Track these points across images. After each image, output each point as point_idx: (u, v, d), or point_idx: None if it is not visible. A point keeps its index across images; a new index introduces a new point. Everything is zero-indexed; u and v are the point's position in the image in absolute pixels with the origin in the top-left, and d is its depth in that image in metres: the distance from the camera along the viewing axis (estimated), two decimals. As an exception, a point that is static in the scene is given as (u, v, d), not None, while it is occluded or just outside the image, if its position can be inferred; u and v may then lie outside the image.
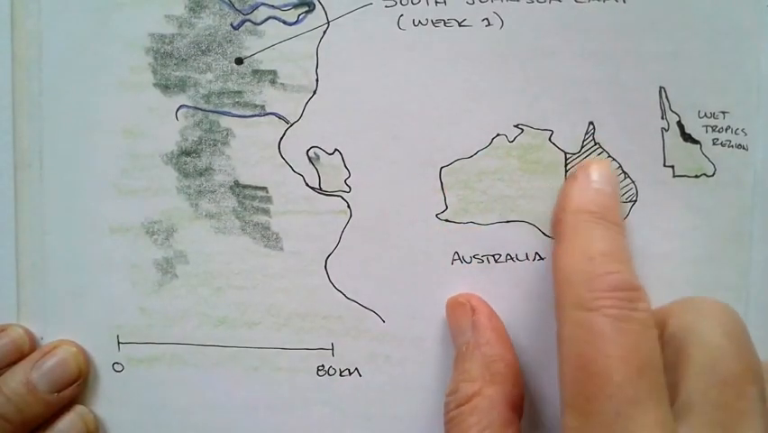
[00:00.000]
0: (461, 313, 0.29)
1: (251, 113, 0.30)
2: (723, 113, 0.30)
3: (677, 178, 0.30)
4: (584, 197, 0.28)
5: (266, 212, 0.30)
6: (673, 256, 0.30)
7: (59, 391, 0.30)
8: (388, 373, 0.30)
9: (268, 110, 0.30)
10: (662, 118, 0.30)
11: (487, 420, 0.26)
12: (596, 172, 0.28)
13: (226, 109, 0.30)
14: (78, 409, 0.30)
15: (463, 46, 0.30)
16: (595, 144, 0.30)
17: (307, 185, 0.30)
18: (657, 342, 0.25)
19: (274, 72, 0.30)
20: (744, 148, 0.30)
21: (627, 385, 0.23)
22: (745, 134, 0.30)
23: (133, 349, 0.31)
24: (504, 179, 0.30)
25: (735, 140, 0.30)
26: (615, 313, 0.24)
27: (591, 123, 0.30)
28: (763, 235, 0.30)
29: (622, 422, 0.23)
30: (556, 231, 0.28)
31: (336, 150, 0.30)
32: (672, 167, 0.30)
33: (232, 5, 0.30)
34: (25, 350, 0.30)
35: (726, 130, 0.30)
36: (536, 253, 0.30)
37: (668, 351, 0.25)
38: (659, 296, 0.30)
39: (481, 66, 0.30)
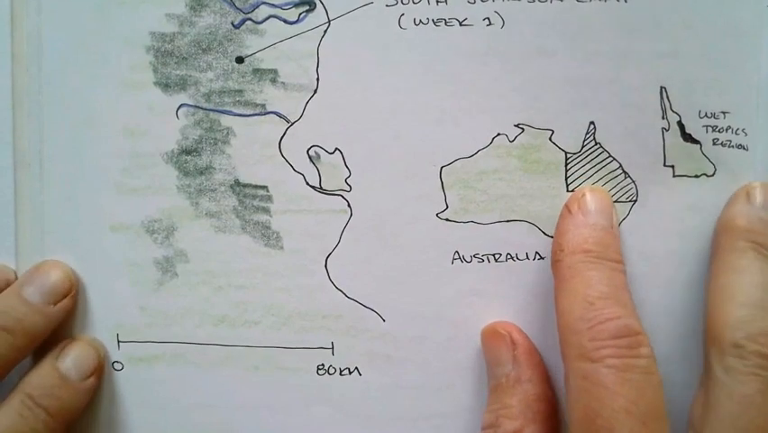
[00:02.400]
0: (501, 344, 0.29)
1: (251, 112, 0.30)
2: (723, 113, 0.30)
3: (677, 177, 0.30)
4: (580, 235, 0.28)
5: (266, 211, 0.30)
6: (673, 256, 0.30)
7: (54, 304, 0.29)
8: (388, 373, 0.30)
9: (268, 109, 0.30)
10: (663, 118, 0.30)
11: None
12: (591, 204, 0.29)
13: (227, 108, 0.30)
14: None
15: (464, 45, 0.30)
16: (595, 144, 0.30)
17: (308, 184, 0.30)
18: (660, 387, 0.25)
19: (275, 71, 0.30)
20: (744, 148, 0.30)
21: None
22: (746, 134, 0.30)
23: (133, 348, 0.31)
24: (504, 178, 0.30)
25: (735, 140, 0.30)
26: (617, 363, 0.25)
27: (592, 122, 0.30)
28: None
29: None
30: (555, 271, 0.28)
31: (337, 149, 0.30)
32: (673, 167, 0.30)
33: (232, 4, 0.30)
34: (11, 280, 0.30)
35: (727, 130, 0.30)
36: (537, 252, 0.30)
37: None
38: (658, 296, 0.30)
39: (482, 65, 0.30)
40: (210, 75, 0.30)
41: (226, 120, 0.30)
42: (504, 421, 0.28)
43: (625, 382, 0.25)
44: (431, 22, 0.30)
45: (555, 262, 0.28)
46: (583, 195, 0.29)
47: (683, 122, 0.30)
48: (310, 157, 0.30)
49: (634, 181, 0.30)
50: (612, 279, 0.27)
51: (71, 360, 0.30)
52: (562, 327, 0.27)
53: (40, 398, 0.29)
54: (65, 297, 0.30)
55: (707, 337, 0.27)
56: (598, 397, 0.25)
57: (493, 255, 0.30)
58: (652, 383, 0.25)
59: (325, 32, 0.30)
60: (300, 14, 0.30)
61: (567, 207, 0.29)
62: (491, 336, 0.30)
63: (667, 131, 0.30)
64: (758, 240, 0.28)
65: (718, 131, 0.30)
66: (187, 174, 0.30)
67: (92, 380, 0.30)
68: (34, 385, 0.29)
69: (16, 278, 0.30)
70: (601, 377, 0.25)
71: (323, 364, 0.30)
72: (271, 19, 0.30)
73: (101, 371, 0.30)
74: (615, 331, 0.25)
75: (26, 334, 0.29)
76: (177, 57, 0.30)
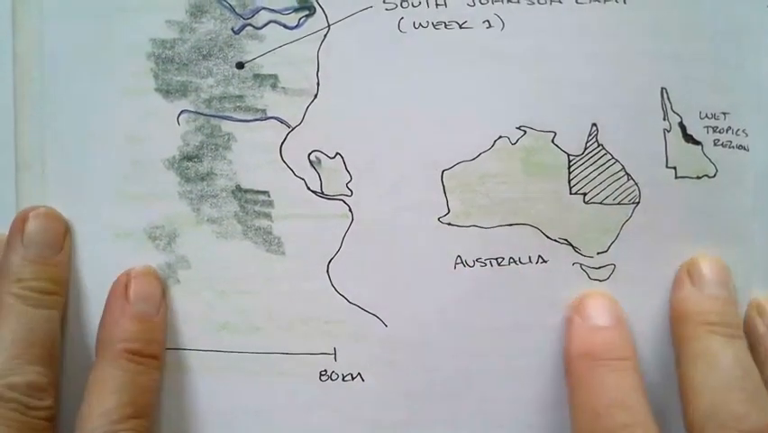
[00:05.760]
0: None
1: (252, 117, 0.30)
2: (724, 113, 0.30)
3: (679, 179, 0.30)
4: (582, 340, 0.29)
5: (267, 216, 0.30)
6: (676, 257, 0.30)
7: (59, 251, 0.29)
8: (391, 378, 0.30)
9: (269, 114, 0.30)
10: (665, 119, 0.30)
11: None
12: (592, 306, 0.29)
13: (228, 114, 0.30)
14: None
15: (464, 48, 0.30)
16: (598, 146, 0.30)
17: (309, 189, 0.30)
18: None
19: (275, 76, 0.30)
20: (744, 149, 0.30)
21: None
22: (746, 135, 0.30)
23: (135, 355, 0.30)
24: (507, 181, 0.30)
25: (735, 141, 0.30)
26: None
27: (594, 124, 0.30)
28: (765, 236, 0.30)
29: None
30: (566, 380, 0.29)
31: (338, 153, 0.30)
32: (675, 168, 0.30)
33: (232, 10, 0.30)
34: None
35: (728, 131, 0.30)
36: (539, 255, 0.30)
37: None
38: (662, 298, 0.30)
39: (483, 68, 0.30)
40: (211, 81, 0.30)
41: (227, 126, 0.30)
42: None
43: None
44: (430, 25, 0.30)
45: (565, 371, 0.29)
46: (583, 298, 0.29)
47: (684, 123, 0.30)
48: (311, 162, 0.30)
49: (636, 183, 0.30)
50: (620, 383, 0.27)
51: (142, 299, 0.29)
52: None
53: (145, 349, 0.29)
54: (64, 240, 0.30)
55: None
56: None
57: (496, 259, 0.30)
58: None
59: (325, 36, 0.30)
60: (300, 19, 0.30)
61: (571, 312, 0.30)
62: None
63: (669, 132, 0.30)
64: (709, 320, 0.28)
65: (719, 131, 0.30)
66: (188, 180, 0.30)
67: (163, 308, 0.30)
68: (131, 339, 0.28)
69: None
70: None
71: (325, 370, 0.30)
72: (271, 24, 0.30)
73: (165, 297, 0.30)
74: None
75: (56, 283, 0.29)
76: (177, 63, 0.30)
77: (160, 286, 0.30)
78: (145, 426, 0.28)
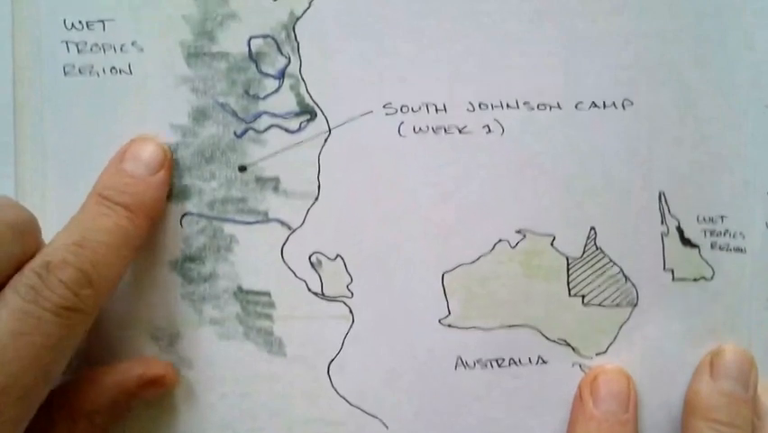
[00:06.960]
0: None
1: (254, 219, 0.30)
2: (721, 217, 0.30)
3: (676, 281, 0.30)
4: (586, 429, 0.28)
5: (269, 317, 0.30)
6: (673, 359, 0.30)
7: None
8: (393, 482, 0.30)
9: (271, 216, 0.30)
10: (662, 223, 0.30)
11: None
12: (603, 388, 0.29)
13: (230, 216, 0.30)
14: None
15: (464, 153, 0.30)
16: (596, 249, 0.30)
17: (310, 290, 0.30)
18: None
19: (277, 179, 0.30)
20: (742, 251, 0.30)
21: None
22: (743, 237, 0.30)
23: (138, 462, 0.30)
24: (506, 284, 0.30)
25: (733, 243, 0.30)
26: None
27: (593, 228, 0.30)
28: (760, 338, 0.30)
29: None
30: None
31: (338, 255, 0.30)
32: (672, 271, 0.30)
33: (235, 114, 0.30)
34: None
35: (725, 234, 0.30)
36: (539, 356, 0.30)
37: None
38: (658, 396, 0.30)
39: (482, 172, 0.30)
40: (213, 184, 0.30)
41: (229, 228, 0.30)
42: None
43: None
44: (430, 129, 0.30)
45: None
46: (597, 375, 0.29)
47: (682, 226, 0.30)
48: (312, 263, 0.30)
49: (634, 285, 0.30)
50: None
51: (135, 159, 0.29)
52: None
53: (115, 197, 0.28)
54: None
55: None
56: None
57: (496, 360, 0.30)
58: None
59: (326, 140, 0.30)
60: (301, 123, 0.30)
61: (579, 391, 0.29)
62: None
63: (666, 235, 0.30)
64: (715, 416, 0.28)
65: (717, 234, 0.30)
66: (191, 282, 0.30)
67: (162, 173, 0.29)
68: (106, 186, 0.28)
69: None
70: None
71: (327, 476, 0.30)
72: (273, 128, 0.30)
73: (170, 163, 0.30)
74: None
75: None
76: (181, 167, 0.30)
77: (161, 150, 0.30)
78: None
